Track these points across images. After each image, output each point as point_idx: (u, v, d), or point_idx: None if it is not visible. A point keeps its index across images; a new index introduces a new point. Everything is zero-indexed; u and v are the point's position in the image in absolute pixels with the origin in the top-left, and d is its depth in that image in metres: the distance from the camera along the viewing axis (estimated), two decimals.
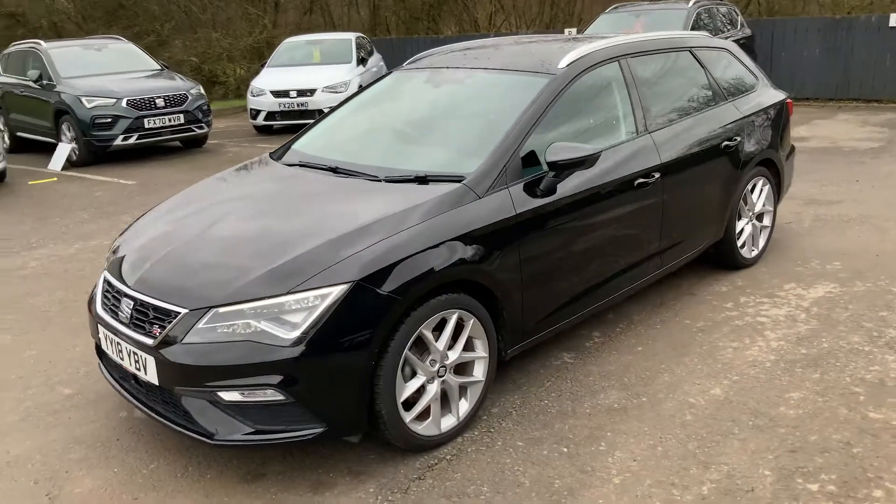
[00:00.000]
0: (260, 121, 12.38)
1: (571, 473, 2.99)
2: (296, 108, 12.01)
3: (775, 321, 4.25)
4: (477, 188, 3.31)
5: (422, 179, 3.42)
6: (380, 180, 3.51)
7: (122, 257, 3.42)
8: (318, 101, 11.89)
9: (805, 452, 3.02)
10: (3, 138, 12.23)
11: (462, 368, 3.33)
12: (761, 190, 5.02)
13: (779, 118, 5.16)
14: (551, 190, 3.50)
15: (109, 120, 10.21)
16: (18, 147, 11.97)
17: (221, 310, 2.85)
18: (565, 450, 3.16)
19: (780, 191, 5.27)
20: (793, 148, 5.48)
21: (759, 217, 5.12)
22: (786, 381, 3.59)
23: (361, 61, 13.18)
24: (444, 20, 19.73)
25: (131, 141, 10.38)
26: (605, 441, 3.20)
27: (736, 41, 11.51)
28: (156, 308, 3.00)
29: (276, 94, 12.06)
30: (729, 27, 11.74)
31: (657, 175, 4.04)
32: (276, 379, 2.78)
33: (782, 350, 3.90)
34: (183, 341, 2.86)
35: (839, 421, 3.23)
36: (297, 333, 2.78)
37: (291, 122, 11.93)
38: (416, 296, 2.97)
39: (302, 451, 3.23)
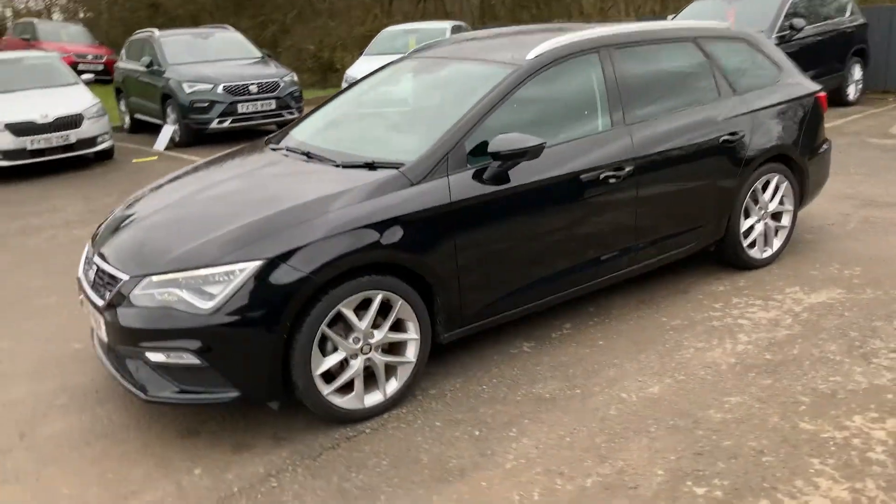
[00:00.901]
0: None
1: (471, 455, 3.07)
2: None
3: (756, 324, 4.08)
4: (411, 175, 3.42)
5: (370, 165, 3.57)
6: (338, 165, 3.69)
7: (101, 225, 3.81)
8: None
9: (710, 457, 2.95)
10: (124, 119, 13.39)
11: (395, 349, 3.46)
12: (777, 188, 4.78)
13: (803, 113, 4.89)
14: (497, 179, 3.55)
15: (206, 104, 10.96)
16: (136, 128, 13.05)
17: (155, 278, 3.13)
18: (477, 433, 3.24)
19: (803, 190, 4.99)
20: (825, 144, 5.15)
21: (777, 216, 4.88)
22: (731, 384, 3.48)
23: None
24: (551, 7, 19.54)
25: (226, 124, 11.09)
26: (518, 428, 3.25)
27: (844, 30, 10.82)
28: (109, 273, 3.33)
29: None
30: (836, 14, 10.97)
31: (629, 169, 3.97)
32: (194, 345, 3.04)
33: (746, 354, 3.76)
34: (123, 305, 3.18)
35: (765, 429, 3.11)
36: (213, 304, 3.03)
37: None
38: (330, 276, 3.13)
39: (238, 414, 3.49)
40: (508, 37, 4.60)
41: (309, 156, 3.92)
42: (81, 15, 23.50)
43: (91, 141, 10.09)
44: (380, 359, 3.38)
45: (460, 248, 3.48)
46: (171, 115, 11.36)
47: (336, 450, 3.20)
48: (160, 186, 4.12)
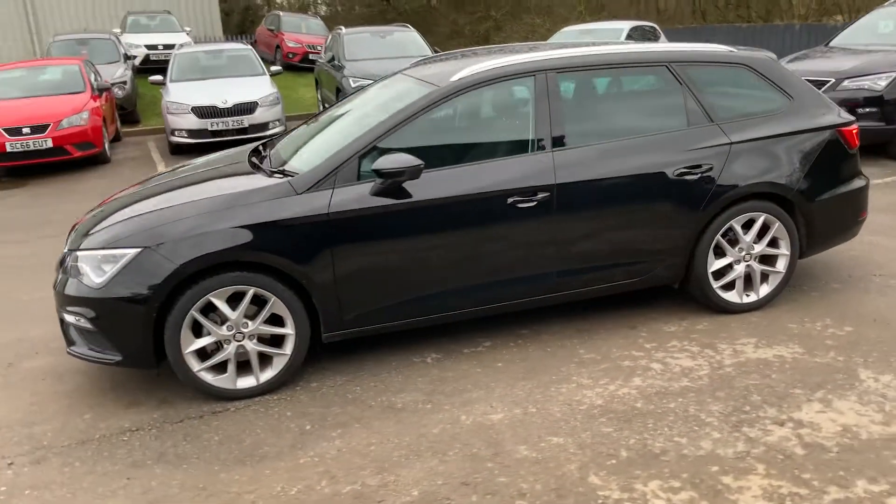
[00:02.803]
0: None
1: (283, 446, 3.39)
2: None
3: (666, 371, 3.86)
4: (297, 185, 3.76)
5: (283, 174, 3.96)
6: (268, 175, 4.10)
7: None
8: None
9: (473, 489, 2.99)
10: (319, 107, 14.84)
11: (278, 341, 3.84)
12: (765, 228, 4.37)
13: (813, 148, 4.40)
14: (385, 195, 3.76)
15: None
16: None
17: (78, 253, 3.81)
18: (308, 427, 3.54)
19: (810, 235, 4.49)
20: (850, 184, 4.57)
21: (766, 260, 4.46)
22: (570, 425, 3.40)
23: None
24: (763, 6, 17.96)
25: None
26: (344, 430, 3.49)
27: None
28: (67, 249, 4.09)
29: None
30: None
31: (544, 195, 3.95)
32: (89, 312, 3.68)
33: (619, 398, 3.61)
34: (61, 273, 3.91)
35: (552, 475, 3.05)
36: (102, 280, 3.63)
37: None
38: (199, 268, 3.59)
39: (169, 377, 4.04)
40: (472, 57, 4.67)
41: (255, 165, 4.33)
42: (324, 11, 25.98)
43: (263, 126, 11.43)
44: (252, 347, 3.78)
45: (338, 257, 3.75)
46: None
47: (194, 420, 3.66)
48: (146, 180, 4.81)
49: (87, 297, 3.66)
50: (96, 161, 11.11)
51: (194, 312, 3.64)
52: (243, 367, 3.83)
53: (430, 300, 3.96)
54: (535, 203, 3.94)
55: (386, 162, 3.68)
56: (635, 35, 13.68)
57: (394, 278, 3.87)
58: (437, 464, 3.17)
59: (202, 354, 3.76)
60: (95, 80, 12.15)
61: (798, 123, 4.40)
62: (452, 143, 4.05)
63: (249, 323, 3.75)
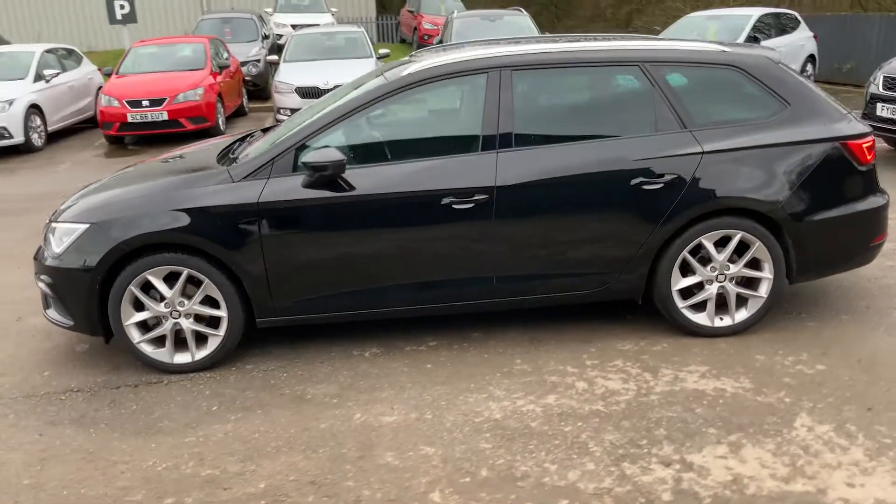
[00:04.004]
0: None
1: (180, 424, 3.56)
2: None
3: (588, 391, 3.64)
4: (234, 173, 3.89)
5: (235, 162, 4.12)
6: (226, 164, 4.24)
7: None
8: None
9: (308, 487, 3.01)
10: None
11: (214, 321, 4.01)
12: (745, 248, 3.99)
13: (808, 161, 3.95)
14: (313, 187, 3.81)
15: None
16: None
17: (53, 224, 4.16)
18: (214, 409, 3.68)
19: (800, 258, 4.04)
20: (857, 205, 4.05)
21: (748, 282, 4.08)
22: (452, 438, 3.31)
23: (754, 39, 12.12)
24: None
25: None
26: (241, 415, 3.61)
27: None
28: None
29: None
30: None
31: (483, 198, 3.83)
32: (48, 279, 4.03)
33: (518, 415, 3.46)
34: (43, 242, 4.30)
35: (398, 486, 3.00)
36: (60, 250, 3.96)
37: None
38: (135, 246, 3.82)
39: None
40: (457, 51, 4.56)
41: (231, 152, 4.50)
42: None
43: None
44: (188, 326, 3.98)
45: (268, 246, 3.84)
46: None
47: (128, 388, 3.92)
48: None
49: (49, 265, 3.99)
50: (210, 134, 11.89)
51: (132, 287, 3.87)
52: (185, 343, 4.02)
53: (364, 295, 3.97)
54: (471, 205, 3.82)
55: (312, 156, 3.72)
56: (766, 22, 12.66)
57: (325, 271, 3.91)
58: (301, 459, 3.20)
59: (146, 327, 3.99)
60: (220, 58, 12.96)
61: (790, 133, 3.95)
62: (396, 138, 4.01)
63: (186, 302, 3.93)
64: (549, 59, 4.02)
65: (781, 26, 12.83)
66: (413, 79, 3.94)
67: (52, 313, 4.15)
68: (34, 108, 11.39)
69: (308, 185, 3.80)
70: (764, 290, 4.05)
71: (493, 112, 3.89)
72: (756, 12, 12.74)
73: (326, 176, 3.74)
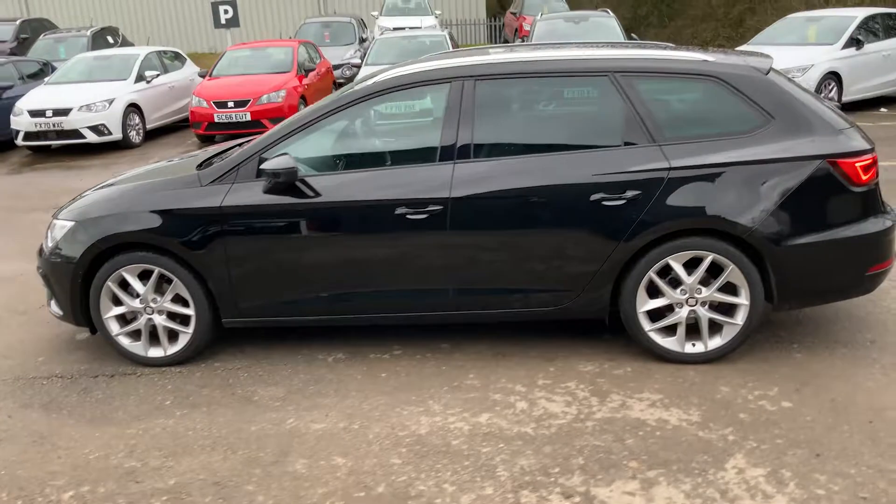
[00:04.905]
0: None
1: (131, 414, 3.74)
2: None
3: (522, 412, 3.52)
4: (203, 178, 4.04)
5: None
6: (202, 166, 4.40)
7: None
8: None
9: (211, 488, 3.08)
10: None
11: (186, 319, 4.19)
12: (718, 271, 3.74)
13: (789, 180, 3.65)
14: (272, 193, 3.90)
15: None
16: None
17: (52, 221, 4.47)
18: (168, 403, 3.85)
19: (781, 284, 3.74)
20: (850, 228, 3.70)
21: (729, 310, 3.82)
22: (368, 450, 3.30)
23: (855, 42, 11.27)
24: None
25: None
26: (188, 410, 3.75)
27: None
28: None
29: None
30: None
31: (439, 208, 3.79)
32: (43, 272, 4.34)
33: (443, 433, 3.39)
34: None
35: (293, 495, 3.03)
36: (50, 245, 4.26)
37: None
38: (109, 245, 4.04)
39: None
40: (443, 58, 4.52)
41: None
42: None
43: None
44: (160, 322, 4.17)
45: (230, 249, 3.96)
46: None
47: (104, 378, 4.16)
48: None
49: (44, 258, 4.29)
50: None
51: (110, 283, 4.10)
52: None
53: (324, 301, 4.01)
54: (426, 216, 3.78)
55: (268, 163, 3.81)
56: (874, 24, 11.71)
57: (285, 275, 3.99)
58: (219, 460, 3.29)
59: (125, 321, 4.22)
60: (310, 61, 13.42)
61: (771, 150, 3.65)
62: (359, 146, 4.03)
63: (158, 299, 4.12)
64: (513, 70, 3.92)
65: (889, 28, 11.82)
66: (377, 88, 3.95)
67: (53, 305, 4.44)
68: (133, 107, 12.22)
69: (267, 192, 3.89)
70: (741, 317, 3.77)
71: (454, 122, 3.83)
72: (861, 13, 11.80)
73: (281, 183, 3.81)
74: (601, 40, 12.48)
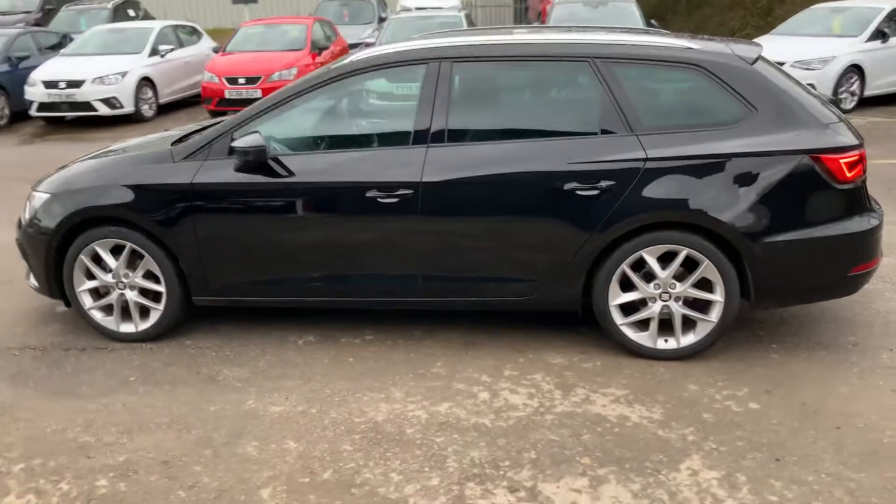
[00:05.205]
0: None
1: (94, 387, 3.74)
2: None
3: (483, 403, 3.47)
4: (175, 154, 4.00)
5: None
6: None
7: None
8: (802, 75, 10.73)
9: (159, 466, 3.07)
10: None
11: (157, 296, 4.16)
12: (693, 266, 3.64)
13: (768, 175, 3.53)
14: (243, 171, 3.85)
15: None
16: None
17: (33, 192, 4.46)
18: (132, 379, 3.84)
19: (758, 282, 3.63)
20: (833, 226, 3.58)
21: (703, 307, 3.72)
22: (321, 435, 3.27)
23: (880, 35, 10.96)
24: None
25: None
26: (150, 387, 3.73)
27: None
28: None
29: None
30: None
31: (409, 192, 3.72)
32: (19, 243, 4.34)
33: (400, 420, 3.35)
34: None
35: (238, 477, 3.00)
36: (28, 216, 4.25)
37: None
38: (82, 218, 4.03)
39: None
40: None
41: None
42: None
43: None
44: (132, 298, 4.15)
45: (200, 226, 3.93)
46: None
47: (75, 351, 4.16)
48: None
49: (22, 230, 4.29)
50: None
51: (82, 257, 4.09)
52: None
53: (294, 284, 3.97)
54: (396, 200, 3.72)
55: (238, 141, 3.76)
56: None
57: (255, 256, 3.95)
58: (172, 438, 3.27)
59: (98, 295, 4.21)
60: (325, 39, 13.34)
61: (751, 143, 3.53)
62: (333, 127, 3.97)
63: (130, 274, 4.10)
64: (490, 52, 3.82)
65: None
66: (352, 67, 3.88)
67: (31, 277, 4.45)
68: (146, 81, 12.25)
69: (238, 170, 3.84)
70: (715, 314, 3.67)
71: (428, 105, 3.75)
72: (889, 5, 11.43)
73: (250, 161, 3.76)
74: (614, 22, 12.26)
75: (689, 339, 3.74)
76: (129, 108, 11.84)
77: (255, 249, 3.93)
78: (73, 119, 12.02)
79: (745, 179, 3.53)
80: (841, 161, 3.51)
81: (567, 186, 3.60)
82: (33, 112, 11.83)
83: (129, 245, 4.02)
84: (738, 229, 3.53)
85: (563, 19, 12.47)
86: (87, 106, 11.64)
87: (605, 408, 3.40)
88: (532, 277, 3.78)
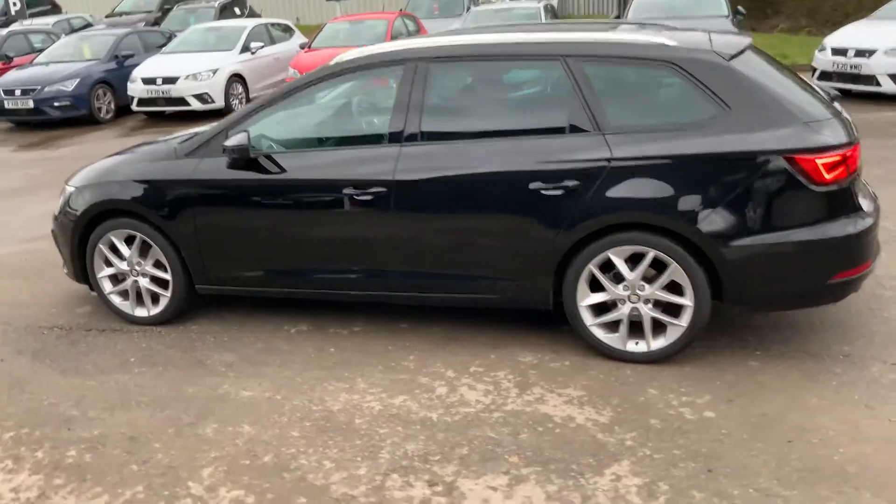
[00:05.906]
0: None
1: (99, 366, 4.08)
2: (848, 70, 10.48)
3: (439, 398, 3.54)
4: (179, 150, 4.30)
5: None
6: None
7: None
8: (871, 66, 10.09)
9: (125, 443, 3.34)
10: None
11: (165, 283, 4.49)
12: (661, 268, 3.57)
13: (739, 176, 3.41)
14: (233, 167, 4.09)
15: None
16: None
17: (65, 186, 4.89)
18: (132, 360, 4.16)
19: (731, 287, 3.52)
20: (809, 231, 3.41)
21: (671, 309, 3.64)
22: (275, 421, 3.44)
23: None
24: None
25: None
26: (145, 369, 4.04)
27: None
28: None
29: (835, 52, 10.67)
30: None
31: (382, 190, 3.84)
32: (53, 233, 4.78)
33: (353, 411, 3.48)
34: None
35: (190, 456, 3.22)
36: (57, 208, 4.68)
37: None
38: (99, 210, 4.40)
39: None
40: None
41: None
42: None
43: None
44: (144, 285, 4.49)
45: (198, 219, 4.21)
46: None
47: (94, 332, 4.54)
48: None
49: (55, 220, 4.72)
50: None
51: (101, 246, 4.46)
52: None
53: (281, 276, 4.18)
54: (370, 197, 3.84)
55: (228, 140, 3.99)
56: None
57: (245, 247, 4.18)
58: (145, 417, 3.55)
59: (117, 280, 4.58)
60: (407, 34, 13.59)
61: (721, 142, 3.41)
62: (316, 126, 4.13)
63: (143, 263, 4.44)
64: (465, 52, 3.86)
65: None
66: (335, 69, 4.02)
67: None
68: (237, 77, 12.88)
69: (229, 167, 4.08)
70: (685, 318, 3.58)
71: (404, 105, 3.84)
72: None
73: (237, 159, 3.99)
74: (704, 14, 11.82)
75: (659, 343, 3.67)
76: (219, 103, 12.50)
77: (244, 242, 4.16)
78: (172, 113, 12.82)
79: (714, 180, 3.42)
80: (818, 162, 3.33)
81: (533, 186, 3.60)
82: (134, 107, 12.71)
83: (139, 236, 4.34)
84: (705, 231, 3.42)
85: (645, 8, 12.12)
86: (181, 101, 12.39)
87: (555, 408, 3.40)
88: (502, 276, 3.80)
